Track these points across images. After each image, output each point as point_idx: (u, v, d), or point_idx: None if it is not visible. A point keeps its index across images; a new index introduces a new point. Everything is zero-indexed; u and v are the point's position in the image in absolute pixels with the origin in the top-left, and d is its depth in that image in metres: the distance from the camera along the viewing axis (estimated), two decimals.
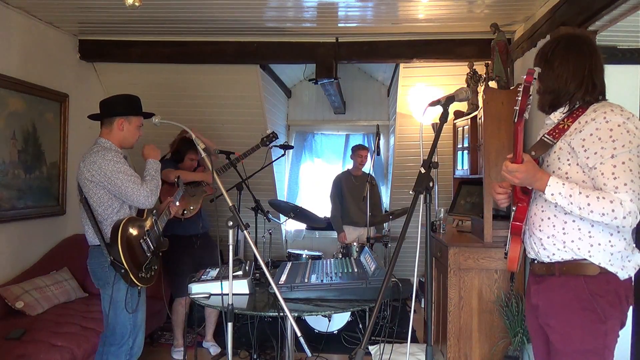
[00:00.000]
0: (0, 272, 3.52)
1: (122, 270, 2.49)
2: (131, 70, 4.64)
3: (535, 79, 1.61)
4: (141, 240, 2.63)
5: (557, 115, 1.82)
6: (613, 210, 1.58)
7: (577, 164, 1.70)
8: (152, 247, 2.70)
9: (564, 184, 1.66)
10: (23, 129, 3.72)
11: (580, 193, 1.63)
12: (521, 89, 1.63)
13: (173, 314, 3.92)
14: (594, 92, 1.75)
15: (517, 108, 1.64)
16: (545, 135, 1.80)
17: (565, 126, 1.75)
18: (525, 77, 1.61)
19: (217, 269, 2.60)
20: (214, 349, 4.00)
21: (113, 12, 3.70)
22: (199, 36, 4.25)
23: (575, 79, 1.75)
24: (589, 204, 1.61)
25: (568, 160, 1.73)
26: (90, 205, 2.59)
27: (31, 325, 3.12)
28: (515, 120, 1.67)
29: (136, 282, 2.53)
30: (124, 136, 2.73)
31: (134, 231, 2.59)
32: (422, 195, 1.64)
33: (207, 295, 2.33)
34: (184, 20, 3.87)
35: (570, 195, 1.63)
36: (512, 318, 3.07)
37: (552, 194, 1.66)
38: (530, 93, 1.62)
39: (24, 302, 3.32)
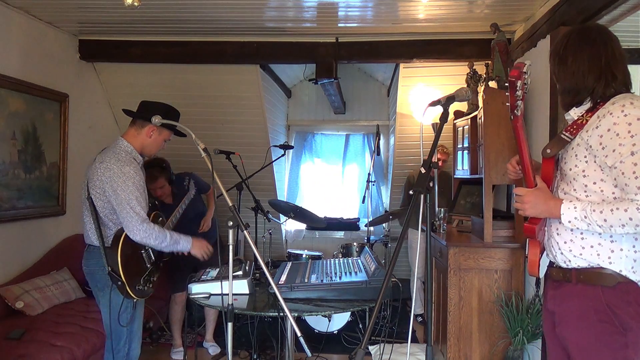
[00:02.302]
0: (0, 272, 3.52)
1: (119, 282, 2.40)
2: (131, 70, 4.64)
3: (524, 72, 1.52)
4: (142, 251, 2.56)
5: (577, 112, 1.72)
6: (631, 219, 1.49)
7: (595, 162, 1.61)
8: (153, 258, 2.63)
9: (575, 207, 1.58)
10: (23, 129, 3.72)
11: (593, 211, 1.55)
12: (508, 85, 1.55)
13: (170, 311, 3.91)
14: (615, 83, 1.64)
15: (508, 104, 1.57)
16: (563, 132, 1.70)
17: (584, 121, 1.65)
18: (510, 71, 1.54)
19: (217, 269, 2.60)
20: (213, 349, 4.00)
21: (113, 12, 3.70)
22: (199, 36, 4.25)
23: (592, 72, 1.64)
24: (605, 220, 1.53)
25: (585, 157, 1.63)
26: (96, 206, 2.48)
27: (31, 325, 3.12)
28: (512, 119, 1.59)
29: (132, 294, 2.43)
30: (149, 143, 2.62)
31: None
32: (422, 195, 1.63)
33: (207, 295, 2.33)
34: (184, 20, 3.87)
35: (585, 217, 1.57)
36: (512, 318, 3.06)
37: (570, 221, 1.60)
38: (518, 88, 1.54)
39: (24, 302, 3.33)
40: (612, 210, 1.52)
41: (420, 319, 4.62)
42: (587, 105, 1.69)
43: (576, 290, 1.69)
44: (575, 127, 1.67)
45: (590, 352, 1.65)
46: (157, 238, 2.46)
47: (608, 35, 1.69)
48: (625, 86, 1.66)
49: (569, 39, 1.72)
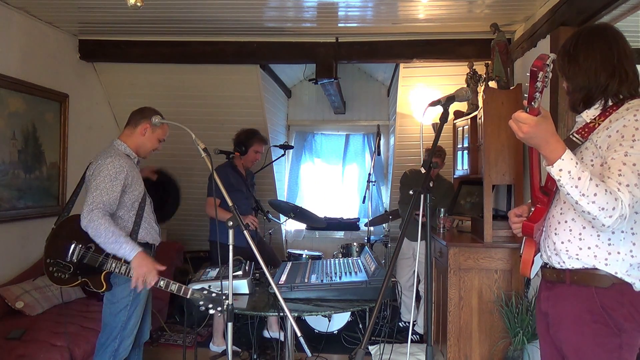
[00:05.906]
0: (0, 272, 3.52)
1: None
2: (131, 70, 4.64)
3: (547, 65, 1.43)
4: (72, 244, 2.45)
5: (589, 114, 1.69)
6: (614, 209, 1.46)
7: (600, 165, 1.59)
8: (74, 258, 2.45)
9: (577, 164, 1.49)
10: (23, 129, 3.72)
11: (591, 179, 1.48)
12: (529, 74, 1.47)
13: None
14: (628, 81, 1.63)
15: (526, 95, 1.49)
16: (574, 134, 1.68)
17: (596, 124, 1.63)
18: (534, 60, 1.44)
19: (217, 269, 2.60)
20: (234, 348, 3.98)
21: (113, 12, 3.70)
22: (199, 36, 4.25)
23: (605, 69, 1.63)
24: (595, 194, 1.47)
25: (592, 160, 1.61)
26: None
27: (31, 325, 3.12)
28: (527, 110, 1.49)
29: (48, 274, 2.43)
30: (142, 142, 2.66)
31: (70, 229, 2.47)
32: (422, 195, 1.63)
33: None
34: (184, 20, 3.87)
35: (579, 178, 1.48)
36: (512, 318, 3.06)
37: (561, 169, 1.49)
38: (539, 79, 1.44)
39: (24, 302, 3.32)
40: (606, 190, 1.48)
41: (416, 337, 4.22)
42: (598, 108, 1.68)
43: (570, 291, 1.68)
44: (587, 130, 1.66)
45: (585, 353, 1.64)
46: (96, 230, 2.33)
47: (618, 34, 1.68)
48: (636, 85, 1.65)
49: (579, 37, 1.71)
